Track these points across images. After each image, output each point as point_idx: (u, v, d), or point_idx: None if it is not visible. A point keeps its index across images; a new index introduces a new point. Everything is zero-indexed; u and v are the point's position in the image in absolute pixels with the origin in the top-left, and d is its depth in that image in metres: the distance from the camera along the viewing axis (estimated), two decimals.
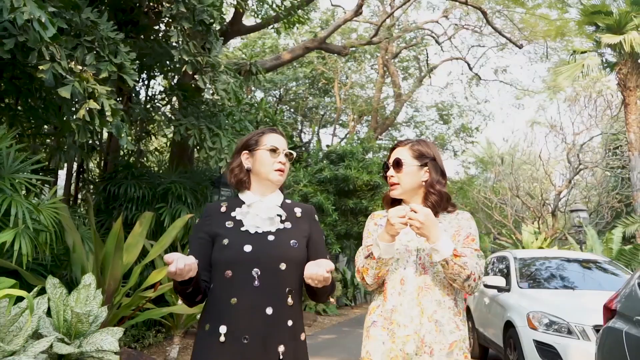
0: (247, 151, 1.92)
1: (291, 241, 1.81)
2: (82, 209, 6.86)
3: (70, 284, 4.74)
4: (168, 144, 10.99)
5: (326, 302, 12.98)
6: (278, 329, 1.72)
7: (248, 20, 12.24)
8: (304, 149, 15.53)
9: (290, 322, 1.76)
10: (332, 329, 10.71)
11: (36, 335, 3.66)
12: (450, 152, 23.18)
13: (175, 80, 8.55)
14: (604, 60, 13.21)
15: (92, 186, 8.08)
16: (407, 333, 1.89)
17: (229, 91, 6.35)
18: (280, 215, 1.86)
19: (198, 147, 6.63)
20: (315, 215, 1.97)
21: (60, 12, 4.54)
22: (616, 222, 10.24)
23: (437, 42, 16.44)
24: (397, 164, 2.02)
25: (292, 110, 20.03)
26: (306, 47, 11.79)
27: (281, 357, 1.70)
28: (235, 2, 8.54)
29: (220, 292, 1.75)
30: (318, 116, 20.31)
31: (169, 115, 7.26)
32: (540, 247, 13.40)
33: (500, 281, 6.30)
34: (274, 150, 1.88)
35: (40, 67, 3.89)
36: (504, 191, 17.80)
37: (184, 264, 1.54)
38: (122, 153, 8.28)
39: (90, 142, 6.41)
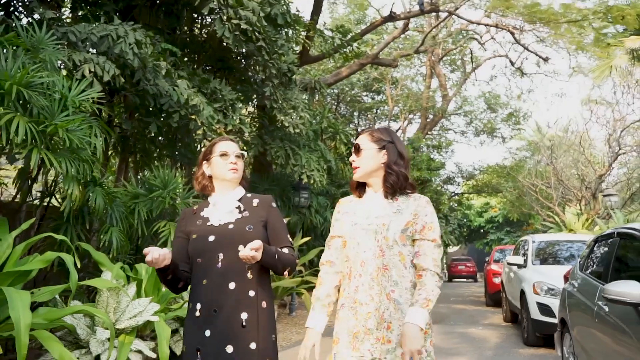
0: (205, 161, 2.21)
1: (247, 226, 2.07)
2: None
3: None
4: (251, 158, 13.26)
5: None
6: (241, 300, 1.99)
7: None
8: None
9: (252, 293, 2.01)
10: None
11: None
12: (499, 139, 24.49)
13: (254, 106, 10.78)
14: (634, 55, 14.28)
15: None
16: (368, 310, 2.01)
17: (305, 123, 8.52)
18: (239, 207, 2.13)
19: (284, 164, 8.86)
20: (273, 203, 2.20)
21: (200, 87, 6.83)
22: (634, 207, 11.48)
23: (479, 42, 17.85)
24: (357, 149, 2.14)
25: (348, 107, 22.10)
26: (361, 63, 13.66)
27: (244, 323, 1.97)
28: (302, 41, 10.69)
29: (195, 276, 2.07)
30: (372, 113, 22.27)
31: (258, 139, 9.51)
32: (571, 231, 14.75)
33: (519, 260, 8.18)
34: (225, 155, 2.15)
35: (198, 132, 6.16)
36: (547, 174, 18.92)
37: (158, 254, 1.83)
38: None
39: None
